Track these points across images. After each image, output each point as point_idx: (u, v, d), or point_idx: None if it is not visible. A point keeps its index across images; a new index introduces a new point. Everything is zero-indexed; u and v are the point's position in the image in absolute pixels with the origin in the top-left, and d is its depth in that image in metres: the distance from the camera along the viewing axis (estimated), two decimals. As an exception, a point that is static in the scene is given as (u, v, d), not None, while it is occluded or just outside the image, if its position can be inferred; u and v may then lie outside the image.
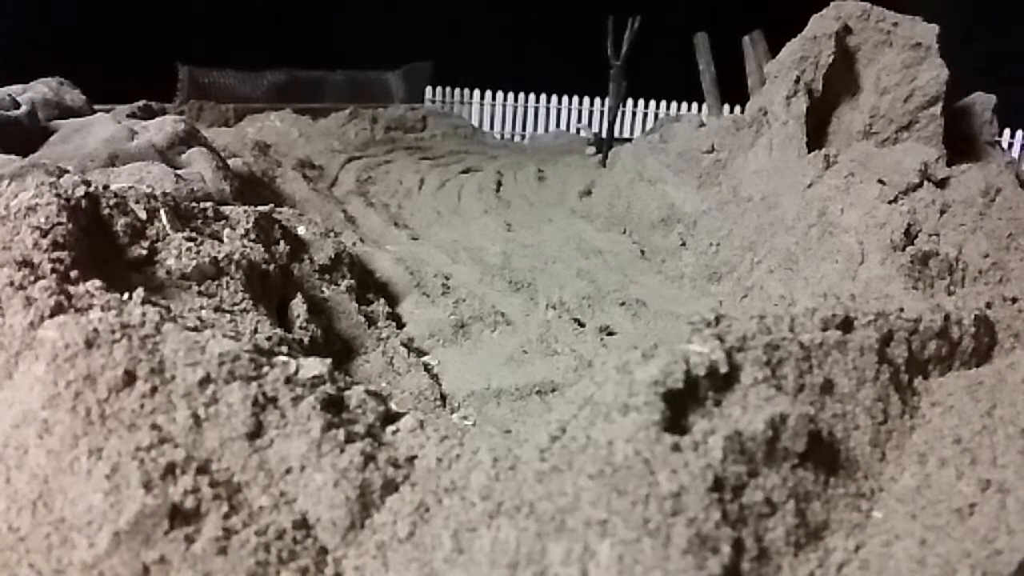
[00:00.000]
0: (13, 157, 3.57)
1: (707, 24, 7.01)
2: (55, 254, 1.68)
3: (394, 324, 2.78)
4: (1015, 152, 8.97)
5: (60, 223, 1.79)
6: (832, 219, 3.12)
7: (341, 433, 1.29)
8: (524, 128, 11.18)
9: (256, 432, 1.27)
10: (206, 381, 1.29)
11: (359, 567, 1.19)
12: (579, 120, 11.11)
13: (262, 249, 2.46)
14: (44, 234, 1.73)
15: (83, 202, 1.97)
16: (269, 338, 1.95)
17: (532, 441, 1.23)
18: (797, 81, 3.80)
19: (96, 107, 5.56)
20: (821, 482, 1.27)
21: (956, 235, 2.96)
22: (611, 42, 7.28)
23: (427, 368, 2.48)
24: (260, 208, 2.89)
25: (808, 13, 3.95)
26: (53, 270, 1.61)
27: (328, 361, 1.45)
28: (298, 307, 2.39)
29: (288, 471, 1.25)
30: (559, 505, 1.10)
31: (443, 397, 2.31)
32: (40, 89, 5.23)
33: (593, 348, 2.70)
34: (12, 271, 1.51)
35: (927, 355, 1.67)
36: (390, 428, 1.39)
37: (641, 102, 11.17)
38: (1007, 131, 9.05)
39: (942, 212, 3.05)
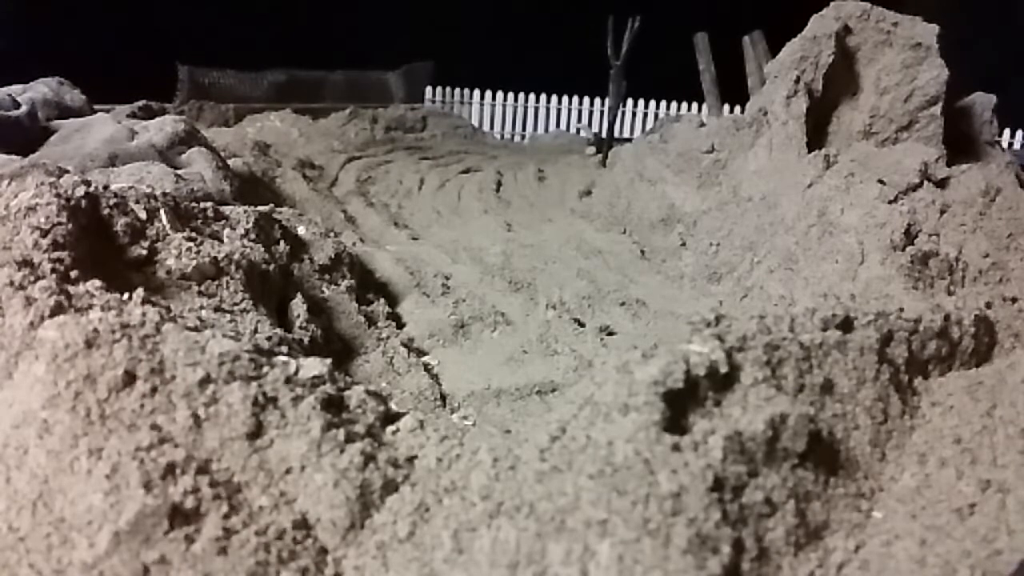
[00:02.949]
0: (13, 157, 3.57)
1: (707, 24, 7.01)
2: (55, 254, 1.68)
3: (394, 324, 2.78)
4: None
5: (60, 223, 1.80)
6: (832, 219, 3.12)
7: (341, 433, 1.29)
8: (524, 128, 11.18)
9: (256, 432, 1.27)
10: (206, 381, 1.29)
11: (359, 567, 1.19)
12: (579, 120, 11.11)
13: (262, 249, 2.46)
14: (44, 234, 1.73)
15: (83, 202, 1.97)
16: (269, 338, 1.95)
17: (532, 441, 1.23)
18: (797, 81, 3.80)
19: (96, 107, 5.56)
20: (821, 482, 1.27)
21: (956, 235, 2.96)
22: (611, 42, 7.28)
23: (427, 368, 2.48)
24: (260, 208, 2.89)
25: (808, 13, 3.95)
26: (53, 270, 1.61)
27: (328, 361, 1.45)
28: (298, 307, 2.39)
29: (288, 471, 1.25)
30: (559, 505, 1.10)
31: (443, 397, 2.31)
32: (40, 89, 5.23)
33: (593, 348, 2.70)
34: (12, 271, 1.51)
35: (927, 355, 1.67)
36: (390, 428, 1.39)
37: (641, 102, 11.17)
38: (1007, 131, 9.06)
39: (942, 212, 3.05)
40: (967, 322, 1.76)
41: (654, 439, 1.14)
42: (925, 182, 3.19)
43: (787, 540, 1.16)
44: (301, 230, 3.02)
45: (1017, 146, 9.24)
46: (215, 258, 2.16)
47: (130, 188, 2.33)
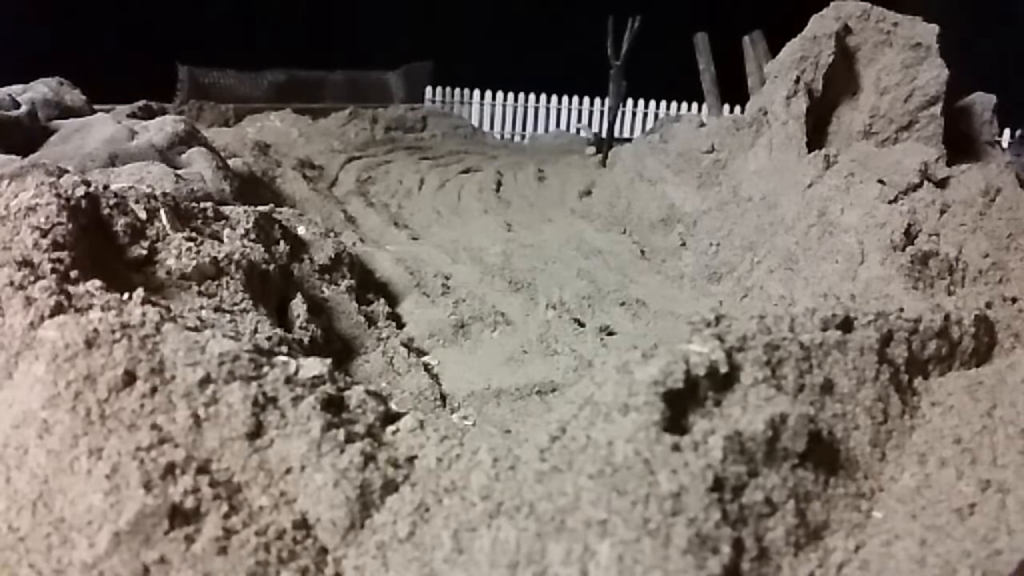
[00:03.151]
0: (13, 157, 3.57)
1: (707, 24, 7.01)
2: (55, 254, 1.68)
3: (394, 324, 2.78)
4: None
5: (60, 223, 1.79)
6: (832, 219, 3.12)
7: (341, 433, 1.29)
8: (524, 128, 11.19)
9: (256, 432, 1.27)
10: (206, 381, 1.29)
11: (359, 567, 1.19)
12: (579, 120, 11.11)
13: (262, 249, 2.46)
14: (44, 234, 1.73)
15: (83, 202, 1.97)
16: (269, 338, 1.95)
17: (532, 441, 1.23)
18: (797, 81, 3.80)
19: (96, 107, 5.56)
20: (821, 482, 1.27)
21: (956, 235, 2.96)
22: (611, 42, 7.28)
23: (427, 368, 2.48)
24: (260, 208, 2.89)
25: (808, 13, 3.94)
26: (53, 270, 1.61)
27: (328, 361, 1.45)
28: (298, 307, 2.39)
29: (288, 471, 1.25)
30: (559, 505, 1.10)
31: (443, 397, 2.31)
32: (40, 89, 5.23)
33: (593, 348, 2.70)
34: (12, 271, 1.51)
35: (927, 355, 1.67)
36: (390, 428, 1.39)
37: (641, 102, 11.18)
38: (1007, 131, 9.06)
39: (942, 212, 3.05)
40: (967, 322, 1.76)
41: (654, 439, 1.14)
42: (925, 182, 3.19)
43: (787, 540, 1.16)
44: (301, 230, 3.02)
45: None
46: (215, 258, 2.16)
47: (130, 188, 2.33)
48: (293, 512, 1.22)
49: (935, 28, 3.78)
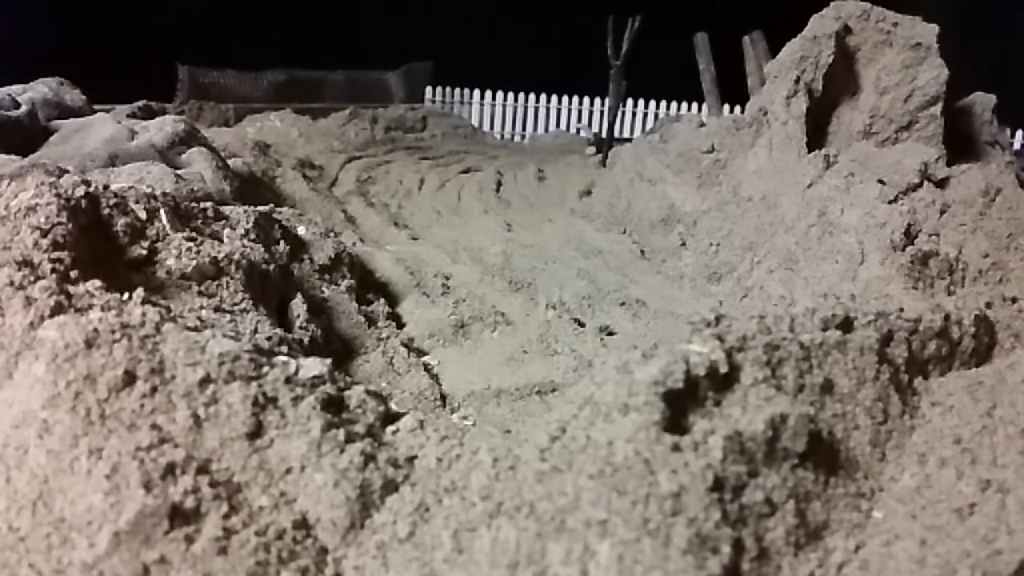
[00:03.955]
0: (13, 157, 3.57)
1: (707, 24, 7.02)
2: (55, 254, 1.68)
3: (394, 324, 2.78)
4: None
5: (60, 223, 1.80)
6: (832, 219, 3.12)
7: (341, 433, 1.29)
8: (524, 128, 11.19)
9: (256, 432, 1.27)
10: (206, 381, 1.29)
11: (359, 567, 1.19)
12: (579, 120, 11.12)
13: (262, 249, 2.46)
14: (44, 234, 1.73)
15: (83, 202, 1.97)
16: (269, 338, 1.95)
17: (532, 441, 1.23)
18: (797, 81, 3.80)
19: (96, 107, 5.56)
20: (821, 482, 1.27)
21: (956, 235, 2.96)
22: (611, 42, 7.28)
23: (427, 368, 2.48)
24: (260, 208, 2.89)
25: (808, 13, 3.94)
26: (53, 270, 1.61)
27: (328, 361, 1.45)
28: (298, 307, 2.39)
29: (288, 471, 1.25)
30: (559, 505, 1.10)
31: (443, 397, 2.31)
32: (40, 89, 5.23)
33: (593, 348, 2.70)
34: (12, 271, 1.51)
35: (927, 355, 1.67)
36: (390, 428, 1.39)
37: (641, 102, 11.19)
38: (1007, 131, 9.06)
39: (942, 212, 3.05)
40: (967, 322, 1.76)
41: (654, 439, 1.14)
42: (925, 182, 3.18)
43: (787, 540, 1.16)
44: (301, 230, 3.02)
45: (1017, 146, 9.25)
46: (215, 258, 2.16)
47: (130, 188, 2.33)
48: (293, 512, 1.22)
49: (935, 28, 3.78)
